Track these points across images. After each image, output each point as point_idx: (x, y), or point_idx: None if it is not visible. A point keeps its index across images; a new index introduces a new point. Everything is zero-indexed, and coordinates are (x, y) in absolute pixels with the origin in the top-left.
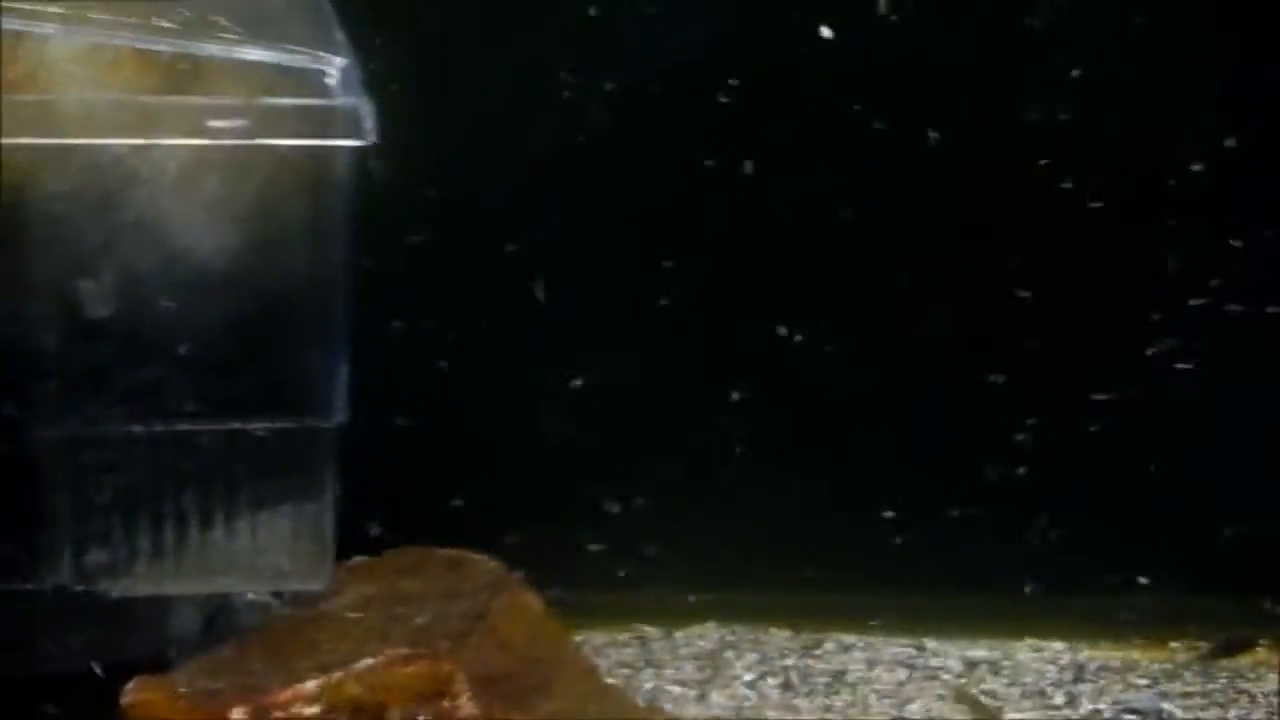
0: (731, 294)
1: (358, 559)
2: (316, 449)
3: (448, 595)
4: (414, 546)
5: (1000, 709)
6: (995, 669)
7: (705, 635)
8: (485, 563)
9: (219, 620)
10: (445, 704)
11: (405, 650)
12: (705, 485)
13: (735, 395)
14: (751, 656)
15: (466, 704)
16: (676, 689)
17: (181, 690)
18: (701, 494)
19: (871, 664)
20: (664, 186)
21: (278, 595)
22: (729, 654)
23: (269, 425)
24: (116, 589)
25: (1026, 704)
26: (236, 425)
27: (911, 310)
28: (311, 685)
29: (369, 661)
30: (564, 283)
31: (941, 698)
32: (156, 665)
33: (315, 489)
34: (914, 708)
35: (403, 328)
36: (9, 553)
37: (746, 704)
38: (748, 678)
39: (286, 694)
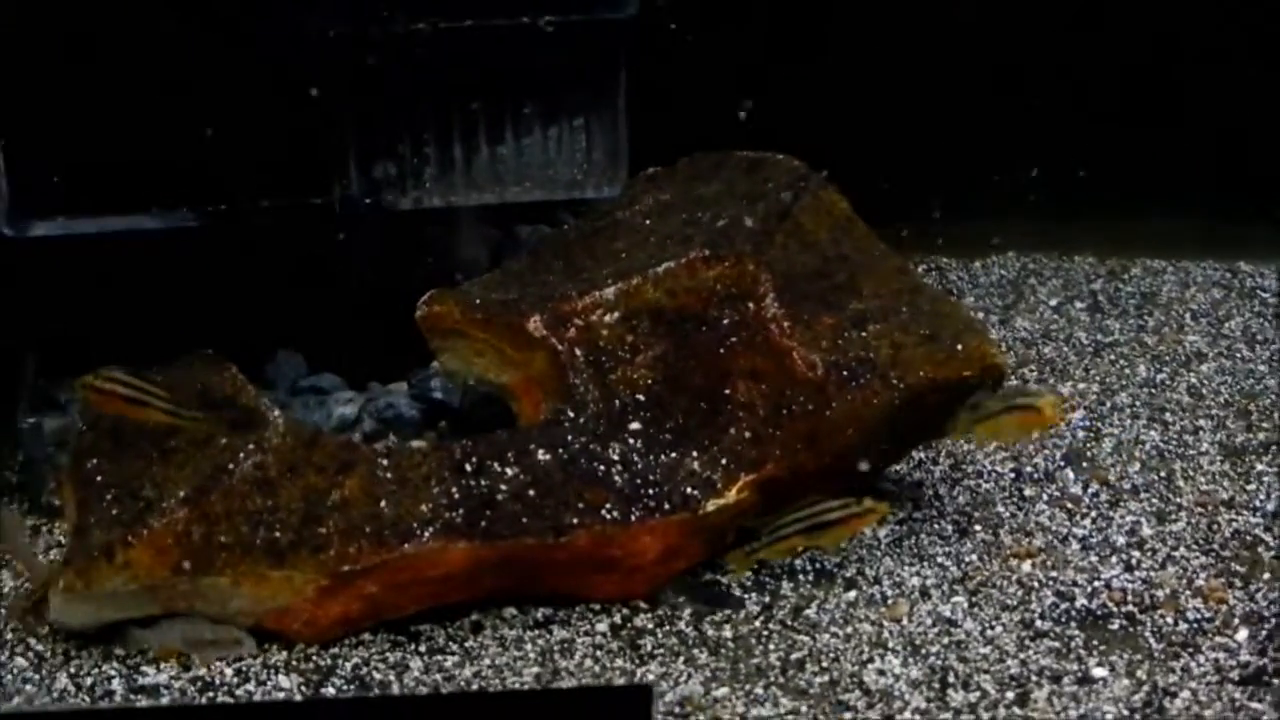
0: None
1: (652, 169)
2: (608, 45)
3: (748, 197)
4: (710, 152)
5: None
6: None
7: (1006, 264)
8: (786, 162)
9: (505, 252)
10: (749, 305)
11: (706, 252)
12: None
13: None
14: (1055, 283)
15: (771, 304)
16: (979, 315)
17: (477, 300)
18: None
19: (1184, 286)
20: None
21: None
22: (1032, 281)
23: (557, 18)
24: (405, 200)
25: None
26: (523, 19)
27: None
28: (610, 291)
29: (669, 265)
30: None
31: (1261, 315)
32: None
33: (607, 92)
34: (1232, 325)
35: None
36: (293, 162)
37: (1053, 327)
38: (1053, 302)
39: (584, 301)
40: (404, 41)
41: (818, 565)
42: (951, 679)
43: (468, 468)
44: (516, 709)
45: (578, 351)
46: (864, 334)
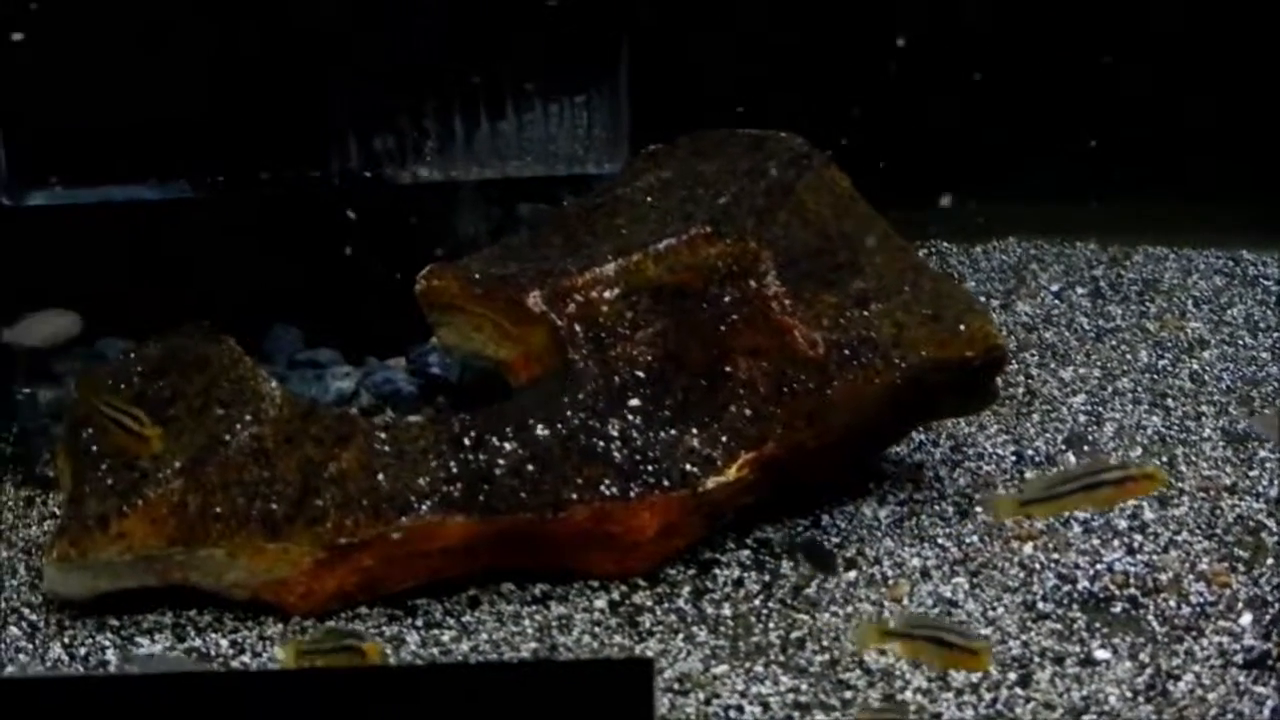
0: None
1: (654, 146)
2: (610, 21)
3: (750, 174)
4: (712, 130)
5: None
6: None
7: (1007, 250)
8: (789, 140)
9: (506, 230)
10: (750, 283)
11: (707, 229)
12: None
13: None
14: (1057, 268)
15: (772, 282)
16: (979, 300)
17: (476, 275)
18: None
19: (1186, 273)
20: None
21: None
22: (1033, 266)
23: None
24: (404, 175)
25: None
26: None
27: None
28: (610, 268)
29: (670, 242)
30: None
31: (1263, 303)
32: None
33: (608, 68)
34: (1234, 312)
35: None
36: (292, 135)
37: (1055, 312)
38: (1055, 288)
39: (584, 277)
40: (405, 14)
41: (818, 545)
42: None
43: (466, 441)
44: (515, 680)
45: (577, 327)
46: (866, 313)
